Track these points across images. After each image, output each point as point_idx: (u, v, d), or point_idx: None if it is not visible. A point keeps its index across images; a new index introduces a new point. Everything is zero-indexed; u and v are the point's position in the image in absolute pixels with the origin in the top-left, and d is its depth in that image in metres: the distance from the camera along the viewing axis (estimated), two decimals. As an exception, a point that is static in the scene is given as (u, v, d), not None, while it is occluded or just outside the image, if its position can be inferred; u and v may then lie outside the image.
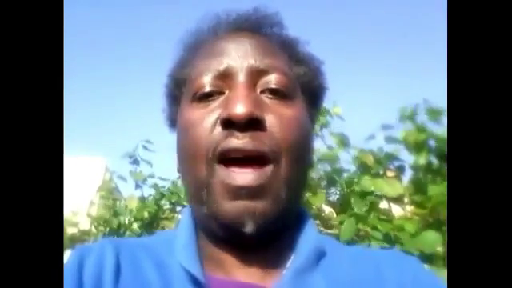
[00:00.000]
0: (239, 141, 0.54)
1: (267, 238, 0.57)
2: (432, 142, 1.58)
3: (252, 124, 0.54)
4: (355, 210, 1.40)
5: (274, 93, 0.58)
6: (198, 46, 0.65)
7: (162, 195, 2.68)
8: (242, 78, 0.57)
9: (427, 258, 1.21)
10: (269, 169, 0.54)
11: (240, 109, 0.53)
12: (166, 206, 2.63)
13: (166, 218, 2.52)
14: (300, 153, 0.57)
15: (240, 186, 0.53)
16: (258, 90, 0.58)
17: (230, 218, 0.53)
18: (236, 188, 0.53)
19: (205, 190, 0.55)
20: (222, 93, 0.58)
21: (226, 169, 0.54)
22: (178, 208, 2.57)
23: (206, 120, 0.56)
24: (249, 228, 0.53)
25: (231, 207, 0.53)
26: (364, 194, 1.45)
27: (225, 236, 0.57)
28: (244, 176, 0.53)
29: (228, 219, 0.53)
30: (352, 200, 1.43)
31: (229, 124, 0.54)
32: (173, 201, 2.62)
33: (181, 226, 0.63)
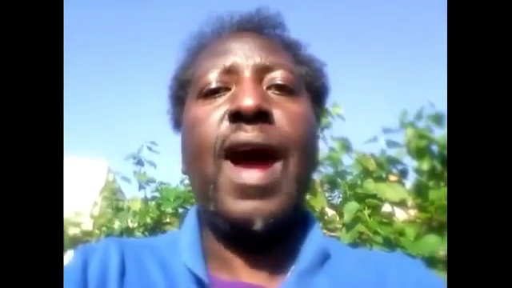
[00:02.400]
0: (248, 134, 0.54)
1: (275, 237, 0.57)
2: (434, 147, 1.57)
3: (260, 117, 0.54)
4: (344, 217, 1.40)
5: (280, 89, 0.58)
6: (202, 48, 0.66)
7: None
8: (248, 74, 0.58)
9: (427, 262, 1.21)
10: (278, 166, 0.54)
11: (248, 101, 0.54)
12: (169, 210, 2.62)
13: (169, 223, 2.51)
14: (308, 148, 0.58)
15: (248, 185, 0.53)
16: (264, 87, 0.58)
17: (238, 216, 0.53)
18: (244, 187, 0.53)
19: (211, 186, 0.55)
20: (228, 89, 0.58)
21: (233, 167, 0.54)
22: (181, 210, 2.56)
23: (214, 115, 0.57)
24: (257, 226, 0.52)
25: (239, 207, 0.53)
26: (364, 198, 1.45)
27: (232, 233, 0.57)
28: (252, 175, 0.53)
29: (235, 218, 0.53)
30: (345, 206, 1.43)
31: (237, 117, 0.54)
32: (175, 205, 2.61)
33: (185, 226, 0.63)
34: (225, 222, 0.55)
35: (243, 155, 0.54)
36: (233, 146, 0.54)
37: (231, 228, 0.55)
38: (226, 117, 0.56)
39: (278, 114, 0.56)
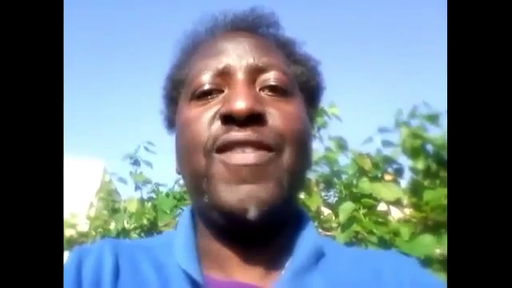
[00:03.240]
0: (240, 133, 0.54)
1: (268, 230, 0.57)
2: (429, 147, 1.58)
3: (253, 119, 0.54)
4: (340, 217, 1.40)
5: (274, 90, 0.58)
6: (196, 47, 0.65)
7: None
8: (241, 75, 0.58)
9: (423, 262, 1.21)
10: (271, 155, 0.54)
11: (241, 104, 0.53)
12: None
13: (165, 224, 2.50)
14: (301, 147, 0.57)
15: (242, 165, 0.53)
16: (257, 88, 0.58)
17: (232, 204, 0.53)
18: (238, 167, 0.53)
19: (205, 179, 0.55)
20: (221, 91, 0.58)
21: (226, 153, 0.54)
22: (177, 212, 2.56)
23: (205, 115, 0.56)
24: (252, 214, 0.52)
25: (233, 194, 0.53)
26: (360, 197, 1.45)
27: (226, 225, 0.56)
28: (245, 155, 0.53)
29: (230, 206, 0.53)
30: (340, 206, 1.43)
31: (229, 119, 0.54)
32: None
33: (179, 226, 0.63)
34: (219, 214, 0.55)
35: (236, 146, 0.54)
36: (224, 144, 0.54)
37: (226, 219, 0.55)
38: (218, 117, 0.56)
39: (270, 115, 0.56)
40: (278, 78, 0.59)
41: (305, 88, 0.65)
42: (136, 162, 2.71)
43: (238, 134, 0.54)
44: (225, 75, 0.58)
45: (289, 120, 0.57)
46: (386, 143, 1.65)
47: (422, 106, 1.64)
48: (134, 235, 2.52)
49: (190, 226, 0.62)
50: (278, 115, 0.56)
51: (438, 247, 1.28)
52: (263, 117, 0.55)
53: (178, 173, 0.65)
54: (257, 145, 0.54)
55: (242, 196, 0.52)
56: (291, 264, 0.58)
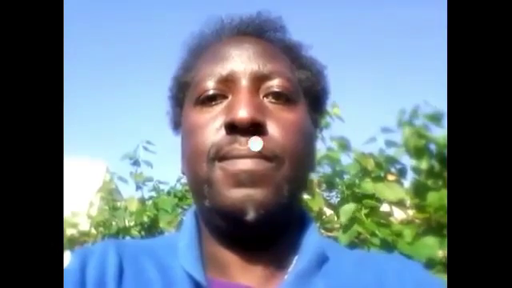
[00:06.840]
0: (242, 147, 0.54)
1: (268, 234, 0.58)
2: (432, 146, 1.57)
3: (255, 128, 0.55)
4: (341, 219, 1.40)
5: (277, 97, 0.59)
6: (202, 50, 0.66)
7: (162, 199, 2.67)
8: (244, 82, 0.58)
9: (426, 264, 1.21)
10: (271, 164, 0.55)
11: (243, 113, 0.54)
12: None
13: (168, 222, 2.50)
14: (301, 157, 0.58)
15: (241, 170, 0.53)
16: (261, 95, 0.59)
17: (231, 205, 0.53)
18: (237, 172, 0.53)
19: (205, 185, 0.56)
20: (225, 97, 0.59)
21: (227, 160, 0.55)
22: (179, 210, 2.56)
23: (211, 125, 0.57)
24: (250, 216, 0.53)
25: (232, 194, 0.53)
26: (361, 198, 1.45)
27: (227, 227, 0.57)
28: (245, 162, 0.54)
29: (229, 207, 0.54)
30: (341, 208, 1.43)
31: (232, 128, 0.55)
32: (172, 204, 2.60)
33: (183, 228, 0.64)
34: (219, 216, 0.56)
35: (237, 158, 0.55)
36: (226, 157, 0.55)
37: (225, 221, 0.56)
38: (222, 127, 0.56)
39: (272, 125, 0.56)
40: (282, 85, 0.59)
41: (309, 93, 0.65)
42: (136, 162, 2.71)
43: (240, 149, 0.54)
44: (229, 82, 0.59)
45: (290, 130, 0.57)
46: (389, 143, 1.65)
47: (425, 106, 1.63)
48: (134, 233, 2.53)
49: (193, 228, 0.63)
50: (279, 125, 0.57)
51: (440, 249, 1.27)
52: (264, 127, 0.56)
53: (183, 173, 0.65)
54: (257, 156, 0.54)
55: (240, 198, 0.53)
56: (294, 267, 0.58)
